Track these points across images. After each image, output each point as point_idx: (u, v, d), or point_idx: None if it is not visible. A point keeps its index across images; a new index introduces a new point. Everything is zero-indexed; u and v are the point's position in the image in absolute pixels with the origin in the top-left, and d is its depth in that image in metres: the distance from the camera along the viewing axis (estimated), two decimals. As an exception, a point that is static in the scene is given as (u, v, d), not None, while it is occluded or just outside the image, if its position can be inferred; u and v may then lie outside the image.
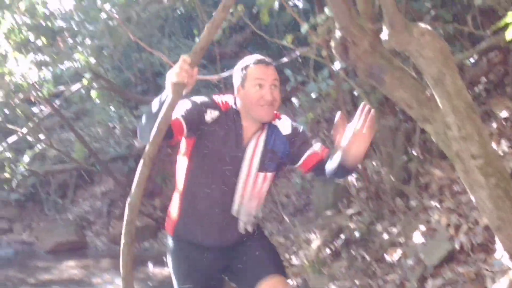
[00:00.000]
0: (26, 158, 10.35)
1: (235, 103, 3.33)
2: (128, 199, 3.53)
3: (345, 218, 6.63)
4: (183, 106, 3.17)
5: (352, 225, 6.31)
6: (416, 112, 3.22)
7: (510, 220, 3.10)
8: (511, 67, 5.44)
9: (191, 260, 3.39)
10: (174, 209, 3.45)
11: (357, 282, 5.32)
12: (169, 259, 3.48)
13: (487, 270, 4.00)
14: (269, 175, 3.40)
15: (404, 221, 5.60)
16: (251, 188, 3.34)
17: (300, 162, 3.35)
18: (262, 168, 3.34)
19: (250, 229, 3.44)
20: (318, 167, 3.30)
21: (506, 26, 2.93)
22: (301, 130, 3.43)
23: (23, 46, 9.21)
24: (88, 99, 10.42)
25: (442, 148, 3.27)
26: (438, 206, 5.21)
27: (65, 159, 11.43)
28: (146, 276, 8.34)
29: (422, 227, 5.10)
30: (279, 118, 3.44)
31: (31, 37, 9.28)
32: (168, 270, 3.54)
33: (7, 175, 10.58)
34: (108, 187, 11.22)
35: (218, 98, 3.36)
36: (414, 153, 5.97)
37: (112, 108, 10.36)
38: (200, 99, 3.27)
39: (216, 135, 3.25)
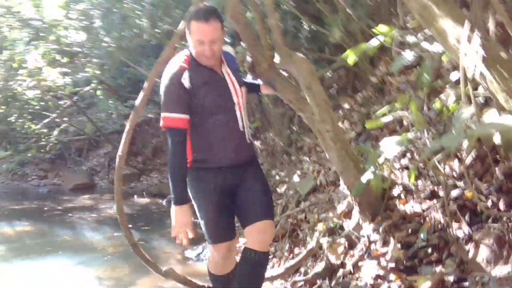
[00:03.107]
0: (55, 132, 10.08)
1: (190, 51, 2.53)
2: (118, 153, 3.52)
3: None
4: (175, 105, 2.45)
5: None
6: (295, 105, 3.20)
7: (347, 167, 3.17)
8: (350, 79, 5.53)
9: (209, 182, 2.56)
10: (189, 151, 2.57)
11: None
12: (191, 190, 2.61)
13: (335, 196, 4.07)
14: (244, 86, 2.67)
15: (288, 168, 5.66)
16: (242, 101, 2.61)
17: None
18: (240, 83, 2.62)
19: (250, 137, 2.69)
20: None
21: (347, 55, 2.98)
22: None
23: (53, 63, 8.89)
24: (95, 95, 10.19)
25: (310, 126, 3.28)
26: (308, 159, 5.26)
27: (80, 133, 11.19)
28: (132, 204, 8.23)
29: (298, 172, 5.15)
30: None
31: (58, 57, 8.96)
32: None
33: (43, 142, 10.31)
34: (108, 150, 10.97)
35: (175, 63, 2.52)
36: (294, 128, 6.04)
37: (110, 101, 10.13)
38: (169, 82, 2.46)
39: (198, 85, 2.47)
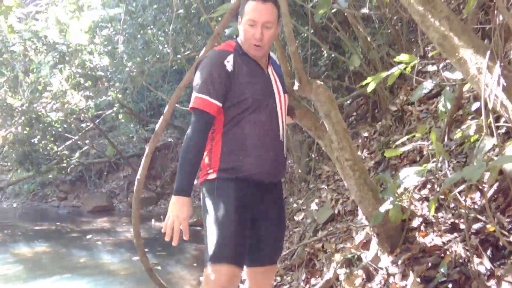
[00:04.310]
0: (77, 154, 10.21)
1: (237, 41, 2.26)
2: (137, 176, 3.54)
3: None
4: (210, 88, 2.12)
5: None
6: (314, 133, 3.18)
7: (366, 197, 3.12)
8: (370, 107, 5.51)
9: (234, 194, 2.15)
10: (216, 157, 2.19)
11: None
12: (207, 203, 2.19)
13: (353, 226, 4.01)
14: (287, 96, 2.38)
15: (306, 196, 5.62)
16: (284, 110, 2.31)
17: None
18: (283, 89, 2.34)
19: (286, 150, 2.35)
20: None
21: (367, 84, 2.97)
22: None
23: (76, 86, 9.07)
24: (117, 119, 10.32)
25: (329, 154, 3.24)
26: (326, 187, 5.20)
27: (101, 155, 11.32)
28: (149, 227, 8.24)
29: (316, 200, 5.08)
30: None
31: (82, 80, 9.14)
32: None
33: (64, 165, 10.44)
34: (128, 173, 11.12)
35: (221, 47, 2.26)
36: (313, 156, 6.01)
37: (131, 125, 10.27)
38: (209, 62, 2.18)
39: (243, 74, 2.18)
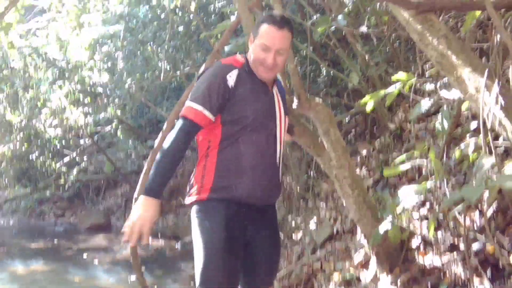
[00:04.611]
0: (74, 171, 10.16)
1: (246, 56, 2.19)
2: (135, 195, 3.52)
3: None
4: (205, 98, 2.05)
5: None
6: (313, 151, 3.18)
7: (365, 216, 3.10)
8: (368, 125, 5.50)
9: (224, 215, 2.07)
10: (208, 174, 2.10)
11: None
12: (196, 224, 2.11)
13: (352, 245, 3.97)
14: (288, 118, 2.33)
15: (304, 214, 5.57)
16: (283, 134, 2.24)
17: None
18: (285, 111, 2.27)
19: (281, 174, 2.25)
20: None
21: (365, 102, 2.97)
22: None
23: (76, 102, 9.09)
24: (115, 135, 10.31)
25: (327, 172, 3.23)
26: (325, 206, 5.15)
27: (99, 172, 11.29)
28: (146, 245, 8.16)
29: (315, 219, 5.03)
30: None
31: (81, 97, 9.16)
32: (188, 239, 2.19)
33: (62, 181, 10.41)
34: (125, 190, 11.02)
35: (227, 60, 2.20)
36: (312, 174, 5.98)
37: (130, 141, 10.23)
38: (211, 73, 2.12)
39: (245, 91, 2.10)
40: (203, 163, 2.15)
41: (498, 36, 2.52)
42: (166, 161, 2.04)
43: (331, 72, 5.42)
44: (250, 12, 3.38)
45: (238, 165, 2.10)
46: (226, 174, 2.10)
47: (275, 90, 2.23)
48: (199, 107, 2.05)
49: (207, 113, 2.05)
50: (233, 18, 4.54)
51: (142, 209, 1.99)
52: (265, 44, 2.07)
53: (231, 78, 2.08)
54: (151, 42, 7.81)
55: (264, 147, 2.13)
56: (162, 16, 7.55)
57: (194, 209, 2.15)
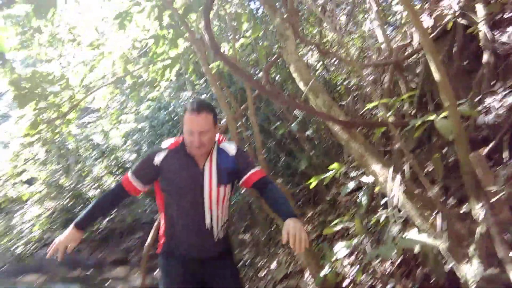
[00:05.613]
0: (105, 221, 9.66)
1: (183, 139, 1.90)
2: (146, 244, 3.32)
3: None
4: (137, 172, 1.91)
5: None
6: (272, 214, 3.07)
7: (311, 263, 2.99)
8: (312, 196, 5.42)
9: (176, 268, 1.90)
10: (161, 233, 2.00)
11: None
12: (160, 276, 1.96)
13: (302, 283, 3.77)
14: (227, 186, 1.92)
15: (268, 257, 5.33)
16: (215, 200, 1.88)
17: (243, 178, 1.91)
18: (220, 181, 1.88)
19: (221, 235, 1.94)
20: (258, 183, 1.92)
21: (311, 181, 2.96)
22: (244, 152, 1.99)
23: (110, 173, 8.85)
24: (135, 197, 9.91)
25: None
26: (282, 252, 4.95)
27: (122, 221, 10.73)
28: (154, 276, 7.58)
29: (275, 262, 4.82)
30: (222, 142, 1.98)
31: (114, 170, 8.94)
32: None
33: (95, 227, 9.86)
34: (141, 235, 10.33)
35: (167, 142, 1.96)
36: (273, 228, 5.78)
37: (146, 201, 9.86)
38: (146, 155, 1.91)
39: (171, 168, 1.86)
40: (161, 222, 2.03)
41: (397, 144, 2.59)
42: (94, 206, 1.90)
43: (287, 159, 5.46)
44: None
45: (172, 226, 1.94)
46: (167, 232, 1.96)
47: (207, 165, 1.89)
48: (132, 178, 1.92)
49: (136, 182, 1.91)
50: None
51: (67, 235, 1.88)
52: (188, 130, 1.81)
53: (158, 157, 1.88)
54: (167, 135, 7.83)
55: (190, 214, 1.88)
56: (175, 118, 7.65)
57: (158, 261, 2.00)
